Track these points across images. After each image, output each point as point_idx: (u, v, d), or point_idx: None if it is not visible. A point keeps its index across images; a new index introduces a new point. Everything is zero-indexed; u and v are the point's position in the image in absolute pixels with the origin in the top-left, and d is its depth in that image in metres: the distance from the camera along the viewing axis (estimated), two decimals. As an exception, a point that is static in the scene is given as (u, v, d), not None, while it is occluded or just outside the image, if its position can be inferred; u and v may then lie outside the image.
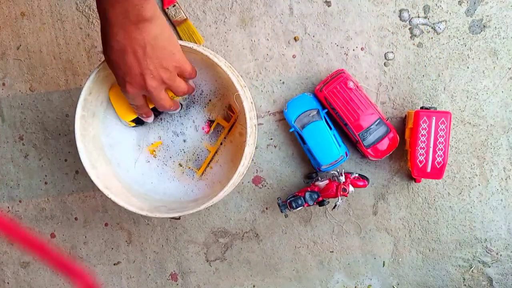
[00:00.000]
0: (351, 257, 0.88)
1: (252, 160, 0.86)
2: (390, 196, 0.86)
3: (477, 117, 0.83)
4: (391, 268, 0.88)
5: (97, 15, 0.88)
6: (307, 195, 0.78)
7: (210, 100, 0.82)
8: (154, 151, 0.83)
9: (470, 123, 0.84)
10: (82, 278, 0.28)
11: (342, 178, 0.76)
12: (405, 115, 0.84)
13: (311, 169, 0.87)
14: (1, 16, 0.90)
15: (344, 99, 0.79)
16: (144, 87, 0.62)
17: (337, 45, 0.84)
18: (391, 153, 0.81)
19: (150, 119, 0.76)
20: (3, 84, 0.92)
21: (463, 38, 0.83)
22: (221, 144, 0.82)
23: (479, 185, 0.84)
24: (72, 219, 0.93)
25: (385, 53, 0.84)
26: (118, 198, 0.74)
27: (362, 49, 0.84)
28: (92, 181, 0.74)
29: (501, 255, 0.85)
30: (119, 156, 0.82)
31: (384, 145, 0.80)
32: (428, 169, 0.77)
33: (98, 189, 0.74)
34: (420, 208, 0.86)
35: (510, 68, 0.82)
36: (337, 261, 0.89)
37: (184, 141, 0.83)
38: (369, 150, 0.80)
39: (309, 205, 0.79)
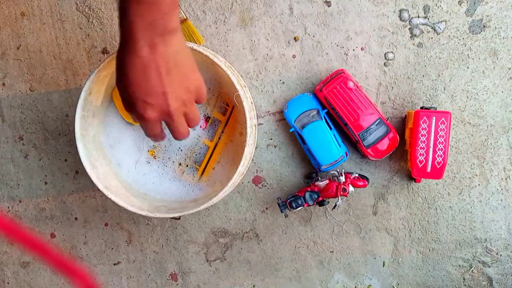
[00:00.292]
0: (351, 257, 0.88)
1: (252, 160, 0.86)
2: (390, 196, 0.86)
3: (477, 117, 0.83)
4: (391, 268, 0.88)
5: (97, 15, 0.88)
6: (307, 195, 0.78)
7: (208, 99, 0.82)
8: (154, 152, 0.84)
9: (470, 123, 0.84)
10: (82, 278, 0.28)
11: (342, 178, 0.76)
12: (405, 115, 0.84)
13: (311, 169, 0.87)
14: (1, 16, 0.90)
15: (344, 99, 0.79)
16: (166, 109, 0.53)
17: (337, 45, 0.84)
18: (391, 153, 0.81)
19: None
20: (3, 84, 0.92)
21: (463, 38, 0.83)
22: (219, 138, 0.82)
23: (479, 185, 0.84)
24: (72, 219, 0.93)
25: (385, 53, 0.84)
26: (118, 198, 0.74)
27: (362, 49, 0.84)
28: (92, 181, 0.74)
29: (501, 255, 0.85)
30: (119, 156, 0.82)
31: (384, 145, 0.80)
32: (428, 169, 0.77)
33: (98, 189, 0.74)
34: (420, 208, 0.86)
35: (510, 68, 0.82)
36: (337, 261, 0.89)
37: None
38: (369, 150, 0.80)
39: (309, 205, 0.79)
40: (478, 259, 0.86)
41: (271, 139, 0.87)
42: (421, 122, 0.76)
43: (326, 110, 0.82)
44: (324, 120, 0.81)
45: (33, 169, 0.93)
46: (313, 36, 0.84)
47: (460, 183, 0.85)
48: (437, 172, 0.77)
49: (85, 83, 0.72)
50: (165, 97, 0.52)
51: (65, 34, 0.89)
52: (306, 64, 0.85)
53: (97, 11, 0.88)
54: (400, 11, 0.83)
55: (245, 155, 0.71)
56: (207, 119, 0.83)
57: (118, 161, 0.82)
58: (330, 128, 0.81)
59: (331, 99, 0.79)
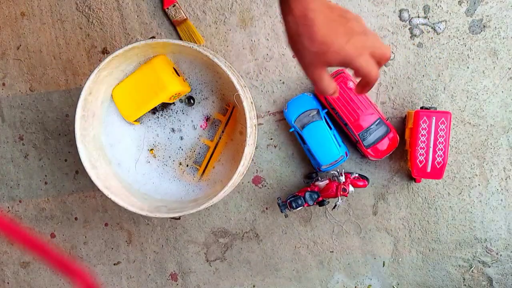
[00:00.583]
0: (351, 257, 0.88)
1: (252, 160, 0.86)
2: (390, 196, 0.86)
3: (477, 117, 0.83)
4: (391, 268, 0.88)
5: (97, 15, 0.88)
6: (307, 195, 0.78)
7: (207, 98, 0.82)
8: (153, 150, 0.84)
9: (470, 123, 0.84)
10: (82, 278, 0.28)
11: (342, 178, 0.76)
12: (405, 115, 0.84)
13: (311, 169, 0.87)
14: (1, 16, 0.90)
15: (344, 99, 0.79)
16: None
17: (337, 45, 0.84)
18: (391, 153, 0.81)
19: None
20: (3, 84, 0.92)
21: (463, 38, 0.83)
22: (220, 138, 0.82)
23: (479, 185, 0.84)
24: (72, 219, 0.93)
25: (385, 53, 0.84)
26: (118, 198, 0.74)
27: (362, 49, 0.84)
28: (92, 181, 0.74)
29: (501, 255, 0.85)
30: (119, 156, 0.82)
31: (384, 145, 0.80)
32: (428, 169, 0.77)
33: (98, 189, 0.74)
34: (420, 208, 0.86)
35: (510, 68, 0.82)
36: (337, 261, 0.88)
37: (181, 138, 0.83)
38: (369, 150, 0.80)
39: (309, 205, 0.79)
40: (478, 259, 0.86)
41: (271, 139, 0.87)
42: (421, 122, 0.76)
43: (326, 110, 0.82)
44: (324, 120, 0.81)
45: (33, 169, 0.93)
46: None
47: (460, 183, 0.85)
48: (437, 172, 0.77)
49: (85, 83, 0.72)
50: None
51: (65, 34, 0.89)
52: (306, 64, 0.85)
53: (97, 11, 0.88)
54: (400, 11, 0.83)
55: (245, 155, 0.71)
56: (207, 119, 0.83)
57: (118, 161, 0.82)
58: (330, 128, 0.81)
59: (331, 99, 0.79)
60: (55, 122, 0.91)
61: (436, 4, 0.82)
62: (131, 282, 0.93)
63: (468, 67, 0.83)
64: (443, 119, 0.76)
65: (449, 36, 0.83)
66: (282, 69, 0.86)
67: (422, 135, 0.76)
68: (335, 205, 0.76)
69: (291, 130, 0.82)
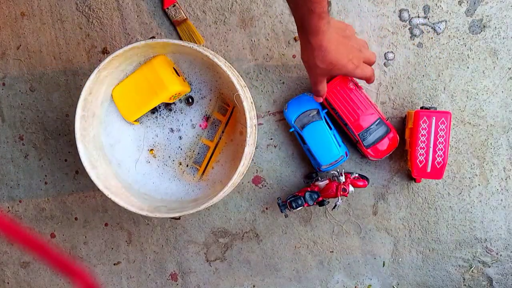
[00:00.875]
0: (351, 257, 0.88)
1: (252, 160, 0.86)
2: (390, 196, 0.86)
3: (477, 117, 0.83)
4: (391, 268, 0.88)
5: (97, 15, 0.88)
6: (307, 195, 0.78)
7: (206, 98, 0.82)
8: (153, 150, 0.84)
9: (470, 123, 0.84)
10: (82, 278, 0.28)
11: (342, 178, 0.76)
12: (405, 115, 0.84)
13: (311, 169, 0.87)
14: (1, 16, 0.90)
15: (344, 99, 0.79)
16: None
17: (337, 45, 0.84)
18: (391, 153, 0.81)
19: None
20: (3, 84, 0.92)
21: (463, 38, 0.83)
22: (220, 138, 0.82)
23: (479, 185, 0.84)
24: (72, 219, 0.93)
25: (385, 53, 0.84)
26: (118, 198, 0.74)
27: (362, 49, 0.84)
28: (92, 181, 0.74)
29: (501, 255, 0.85)
30: (119, 156, 0.82)
31: (384, 145, 0.80)
32: (428, 169, 0.77)
33: (98, 189, 0.74)
34: (420, 208, 0.86)
35: (510, 68, 0.82)
36: (337, 261, 0.88)
37: (180, 138, 0.83)
38: (369, 150, 0.80)
39: (309, 205, 0.79)
40: (478, 259, 0.86)
41: (271, 139, 0.87)
42: (421, 122, 0.76)
43: (326, 110, 0.82)
44: (324, 120, 0.81)
45: (33, 169, 0.93)
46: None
47: (460, 183, 0.85)
48: (437, 172, 0.77)
49: (85, 83, 0.72)
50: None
51: (65, 34, 0.89)
52: (306, 64, 0.85)
53: (97, 11, 0.88)
54: (400, 11, 0.83)
55: (245, 155, 0.71)
56: (207, 119, 0.83)
57: (118, 161, 0.82)
58: (330, 128, 0.81)
59: (331, 99, 0.79)
60: (55, 122, 0.91)
61: (436, 4, 0.82)
62: (131, 282, 0.93)
63: (468, 67, 0.83)
64: (443, 119, 0.76)
65: (449, 36, 0.83)
66: (282, 69, 0.86)
67: (422, 135, 0.76)
68: (335, 205, 0.76)
69: (291, 130, 0.82)
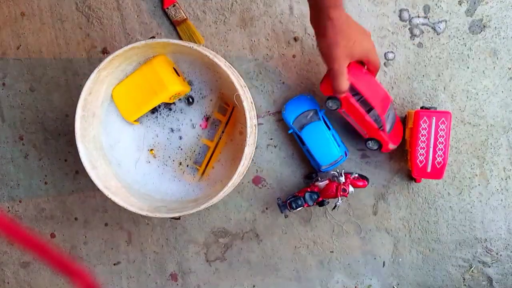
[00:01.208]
0: (351, 257, 0.88)
1: (252, 160, 0.86)
2: (390, 196, 0.86)
3: (477, 117, 0.83)
4: (391, 268, 0.88)
5: (97, 15, 0.88)
6: (307, 195, 0.78)
7: (206, 98, 0.82)
8: (153, 150, 0.84)
9: (470, 123, 0.84)
10: (82, 278, 0.28)
11: (342, 179, 0.76)
12: (405, 115, 0.84)
13: (311, 169, 0.87)
14: (1, 16, 0.90)
15: (366, 82, 0.73)
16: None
17: (337, 45, 0.84)
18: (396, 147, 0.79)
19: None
20: (3, 84, 0.92)
21: (463, 38, 0.83)
22: (219, 138, 0.82)
23: (479, 185, 0.84)
24: (72, 219, 0.93)
25: (385, 53, 0.84)
26: (118, 198, 0.74)
27: (362, 49, 0.84)
28: (92, 181, 0.74)
29: (501, 255, 0.85)
30: (119, 156, 0.82)
31: (397, 130, 0.78)
32: (428, 169, 0.77)
33: (98, 189, 0.74)
34: (420, 208, 0.86)
35: (510, 68, 0.82)
36: (337, 261, 0.88)
37: (180, 137, 0.83)
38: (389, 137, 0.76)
39: (309, 206, 0.79)
40: (478, 259, 0.86)
41: (271, 139, 0.87)
42: (421, 122, 0.76)
43: (324, 110, 0.82)
44: (322, 121, 0.81)
45: (33, 169, 0.93)
46: (313, 36, 0.84)
47: (460, 183, 0.85)
48: (437, 172, 0.77)
49: (85, 83, 0.72)
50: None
51: (65, 34, 0.89)
52: (306, 64, 0.85)
53: (97, 11, 0.88)
54: (400, 11, 0.83)
55: (245, 155, 0.71)
56: (207, 119, 0.83)
57: (118, 161, 0.82)
58: (329, 129, 0.81)
59: (355, 83, 0.72)
60: (55, 122, 0.91)
61: (436, 4, 0.82)
62: (131, 282, 0.93)
63: (468, 67, 0.83)
64: (443, 119, 0.76)
65: (449, 36, 0.83)
66: (282, 69, 0.86)
67: (422, 135, 0.76)
68: (335, 206, 0.76)
69: (290, 132, 0.82)
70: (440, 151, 0.76)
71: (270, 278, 0.90)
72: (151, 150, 0.84)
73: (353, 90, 0.73)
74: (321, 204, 0.80)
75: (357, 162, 0.86)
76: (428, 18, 0.83)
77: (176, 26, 0.86)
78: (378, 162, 0.85)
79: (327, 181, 0.79)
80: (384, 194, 0.86)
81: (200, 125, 0.83)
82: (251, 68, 0.86)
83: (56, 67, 0.90)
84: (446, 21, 0.83)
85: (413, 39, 0.83)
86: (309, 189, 0.79)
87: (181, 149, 0.84)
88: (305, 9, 0.84)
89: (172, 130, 0.83)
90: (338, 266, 0.89)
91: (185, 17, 0.85)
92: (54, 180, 0.92)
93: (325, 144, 0.80)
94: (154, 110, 0.83)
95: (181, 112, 0.83)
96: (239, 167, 0.71)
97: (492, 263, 0.86)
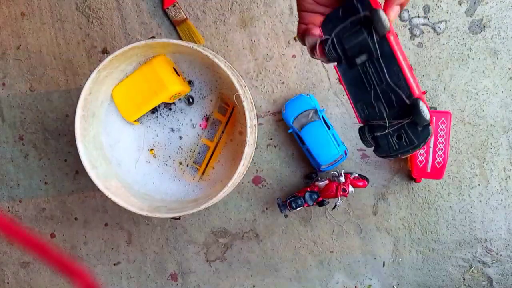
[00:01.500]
0: (351, 257, 0.88)
1: (252, 160, 0.86)
2: (390, 196, 0.86)
3: (477, 117, 0.83)
4: (391, 268, 0.88)
5: (97, 15, 0.88)
6: (307, 195, 0.78)
7: (206, 98, 0.82)
8: (153, 150, 0.84)
9: (470, 123, 0.84)
10: (82, 278, 0.28)
11: (342, 178, 0.76)
12: (405, 115, 0.84)
13: (311, 169, 0.87)
14: (1, 16, 0.90)
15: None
16: None
17: (337, 45, 0.84)
18: None
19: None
20: (3, 84, 0.92)
21: (463, 38, 0.83)
22: (219, 138, 0.82)
23: (479, 185, 0.84)
24: (72, 219, 0.93)
25: (385, 53, 0.84)
26: (118, 198, 0.74)
27: (362, 49, 0.84)
28: (92, 181, 0.74)
29: (501, 255, 0.85)
30: (119, 156, 0.82)
31: None
32: (428, 169, 0.77)
33: (98, 189, 0.74)
34: (420, 208, 0.86)
35: (510, 68, 0.82)
36: (337, 261, 0.88)
37: (180, 137, 0.83)
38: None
39: (309, 205, 0.79)
40: (478, 259, 0.86)
41: (271, 139, 0.87)
42: (421, 122, 0.76)
43: (324, 110, 0.82)
44: (322, 120, 0.81)
45: (33, 169, 0.93)
46: (313, 36, 0.84)
47: (460, 183, 0.85)
48: (437, 172, 0.77)
49: (85, 83, 0.72)
50: None
51: (65, 34, 0.89)
52: (306, 64, 0.85)
53: (97, 11, 0.88)
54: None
55: (245, 155, 0.71)
56: (207, 119, 0.83)
57: (118, 161, 0.82)
58: (329, 128, 0.81)
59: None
60: (55, 122, 0.91)
61: (436, 4, 0.82)
62: (131, 282, 0.93)
63: (468, 67, 0.83)
64: (443, 119, 0.76)
65: (449, 36, 0.83)
66: (282, 69, 0.86)
67: (422, 135, 0.76)
68: (335, 205, 0.76)
69: (290, 131, 0.82)
70: (440, 151, 0.76)
71: (270, 278, 0.90)
72: (151, 150, 0.84)
73: None
74: (321, 204, 0.80)
75: (357, 162, 0.86)
76: (428, 18, 0.83)
77: (176, 26, 0.86)
78: (378, 162, 0.85)
79: (327, 181, 0.79)
80: (384, 194, 0.86)
81: (200, 125, 0.83)
82: (251, 68, 0.86)
83: (56, 67, 0.90)
84: (446, 21, 0.83)
85: (413, 39, 0.83)
86: (309, 189, 0.79)
87: (181, 149, 0.84)
88: (305, 9, 0.84)
89: (172, 130, 0.83)
90: (338, 266, 0.89)
91: (185, 17, 0.85)
92: (54, 180, 0.92)
93: (325, 143, 0.80)
94: (154, 110, 0.83)
95: (181, 112, 0.83)
96: (239, 167, 0.71)
97: (492, 263, 0.86)
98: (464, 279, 0.86)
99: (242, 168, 0.72)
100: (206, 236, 0.91)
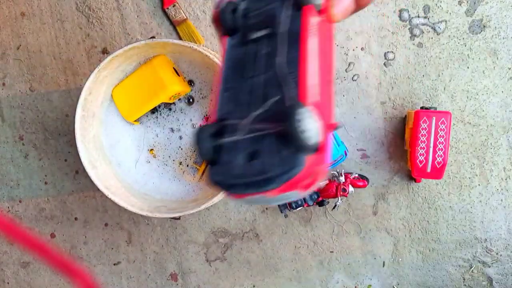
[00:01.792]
0: (351, 257, 0.88)
1: (252, 160, 0.86)
2: (390, 196, 0.86)
3: (477, 117, 0.83)
4: (391, 268, 0.88)
5: (97, 15, 0.88)
6: (307, 195, 0.78)
7: (206, 97, 0.82)
8: (153, 150, 0.84)
9: (470, 123, 0.84)
10: (82, 278, 0.28)
11: (342, 178, 0.76)
12: (405, 115, 0.84)
13: (311, 169, 0.86)
14: (1, 16, 0.90)
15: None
16: None
17: (337, 45, 0.84)
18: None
19: None
20: (3, 84, 0.92)
21: (463, 38, 0.83)
22: None
23: (479, 185, 0.84)
24: (72, 219, 0.93)
25: (385, 53, 0.84)
26: (118, 198, 0.74)
27: (362, 49, 0.84)
28: (92, 181, 0.74)
29: (501, 255, 0.85)
30: (119, 156, 0.82)
31: None
32: (428, 169, 0.77)
33: (98, 189, 0.74)
34: (420, 208, 0.86)
35: (510, 68, 0.82)
36: (337, 261, 0.88)
37: (180, 137, 0.83)
38: None
39: (309, 205, 0.79)
40: (478, 259, 0.86)
41: (271, 139, 0.87)
42: (421, 122, 0.76)
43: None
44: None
45: (33, 169, 0.93)
46: (313, 36, 0.84)
47: (460, 183, 0.85)
48: (437, 172, 0.77)
49: (85, 83, 0.72)
50: None
51: (65, 34, 0.89)
52: (306, 64, 0.85)
53: (97, 11, 0.88)
54: (400, 11, 0.83)
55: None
56: (207, 119, 0.83)
57: (118, 161, 0.82)
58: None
59: None
60: (55, 122, 0.91)
61: (436, 4, 0.82)
62: (131, 282, 0.93)
63: (468, 67, 0.83)
64: (443, 119, 0.76)
65: (449, 36, 0.83)
66: (282, 69, 0.85)
67: (422, 135, 0.76)
68: (335, 205, 0.76)
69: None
70: (440, 151, 0.76)
71: (270, 278, 0.90)
72: (151, 150, 0.84)
73: None
74: (321, 204, 0.80)
75: (357, 162, 0.86)
76: (428, 18, 0.83)
77: (176, 26, 0.86)
78: (378, 162, 0.85)
79: (327, 181, 0.79)
80: (384, 194, 0.86)
81: (200, 125, 0.83)
82: (251, 68, 0.86)
83: (56, 67, 0.90)
84: (446, 21, 0.83)
85: (413, 39, 0.83)
86: (309, 189, 0.79)
87: (181, 149, 0.84)
88: (305, 9, 0.84)
89: (172, 130, 0.83)
90: (338, 266, 0.89)
91: (185, 17, 0.85)
92: (54, 180, 0.92)
93: (325, 144, 0.80)
94: (154, 110, 0.83)
95: (181, 112, 0.83)
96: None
97: (492, 263, 0.86)
98: (464, 279, 0.86)
99: (242, 168, 0.71)
100: (206, 236, 0.91)
